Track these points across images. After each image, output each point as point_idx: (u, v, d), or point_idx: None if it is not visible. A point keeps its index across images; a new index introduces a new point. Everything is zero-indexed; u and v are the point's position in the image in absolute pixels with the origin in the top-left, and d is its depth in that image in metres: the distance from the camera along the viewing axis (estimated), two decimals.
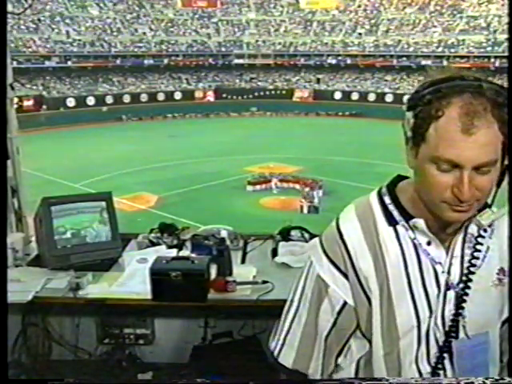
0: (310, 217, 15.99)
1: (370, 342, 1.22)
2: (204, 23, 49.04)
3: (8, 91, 2.82)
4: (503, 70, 26.25)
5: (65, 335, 2.93)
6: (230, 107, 42.20)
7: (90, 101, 40.18)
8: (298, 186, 19.47)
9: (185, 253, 2.78)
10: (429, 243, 1.17)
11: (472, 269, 1.17)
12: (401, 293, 1.17)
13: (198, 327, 2.90)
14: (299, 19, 49.76)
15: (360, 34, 46.94)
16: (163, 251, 2.78)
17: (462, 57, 40.82)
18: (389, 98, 41.06)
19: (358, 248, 1.18)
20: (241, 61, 47.27)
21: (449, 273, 1.17)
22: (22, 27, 40.18)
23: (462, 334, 1.18)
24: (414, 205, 1.18)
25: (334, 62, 45.95)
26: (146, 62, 44.58)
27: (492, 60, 38.58)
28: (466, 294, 1.17)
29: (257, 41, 48.33)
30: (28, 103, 35.94)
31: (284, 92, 45.32)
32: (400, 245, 1.18)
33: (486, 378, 0.88)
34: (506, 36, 30.96)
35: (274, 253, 2.81)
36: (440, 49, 42.61)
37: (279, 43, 48.19)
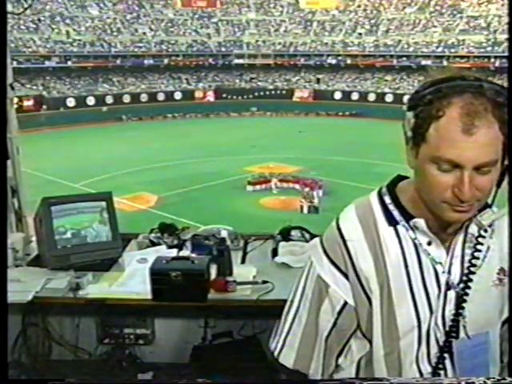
0: (310, 217, 16.00)
1: (370, 342, 1.22)
2: (204, 23, 49.05)
3: (8, 91, 2.82)
4: (503, 69, 26.23)
5: (65, 335, 2.93)
6: (230, 107, 42.21)
7: (90, 101, 40.19)
8: (297, 186, 19.47)
9: (185, 253, 2.78)
10: (429, 243, 1.17)
11: (472, 269, 1.17)
12: (401, 293, 1.17)
13: (198, 327, 2.90)
14: (299, 19, 49.77)
15: (360, 34, 46.95)
16: (163, 251, 2.78)
17: (462, 57, 40.83)
18: (389, 98, 41.08)
19: (359, 248, 1.18)
20: (241, 61, 47.28)
21: (449, 273, 1.17)
22: (22, 27, 40.19)
23: (462, 334, 1.18)
24: (415, 205, 1.17)
25: (334, 62, 45.97)
26: (146, 61, 44.59)
27: (492, 60, 38.59)
28: (467, 294, 1.16)
29: (257, 41, 48.34)
30: (28, 103, 35.95)
31: (284, 92, 45.33)
32: (400, 245, 1.18)
33: (488, 378, 0.88)
34: (506, 36, 30.94)
35: (274, 253, 2.81)
36: (440, 49, 42.62)
37: (279, 43, 48.20)
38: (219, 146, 27.01)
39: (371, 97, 42.59)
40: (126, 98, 41.76)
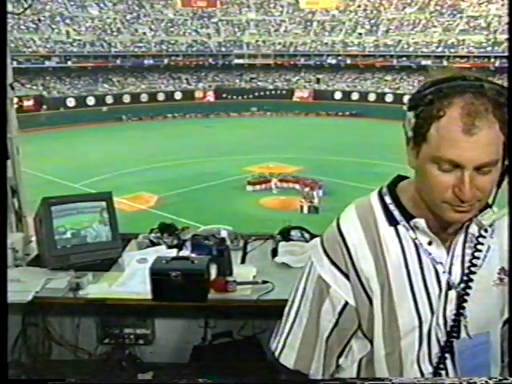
0: (310, 217, 16.00)
1: (371, 342, 1.22)
2: (204, 23, 49.05)
3: (8, 91, 2.82)
4: (503, 69, 26.24)
5: (65, 335, 2.93)
6: (230, 107, 42.21)
7: (90, 101, 40.19)
8: (297, 186, 19.47)
9: (185, 253, 2.78)
10: (430, 243, 1.17)
11: (473, 269, 1.17)
12: (402, 292, 1.17)
13: (198, 327, 2.90)
14: (299, 19, 49.77)
15: (360, 33, 46.95)
16: (163, 251, 2.78)
17: (462, 57, 40.84)
18: (389, 98, 41.09)
19: (359, 248, 1.18)
20: (241, 61, 47.28)
21: (450, 273, 1.17)
22: (22, 27, 40.19)
23: (463, 334, 1.18)
24: (415, 205, 1.17)
25: (334, 61, 45.97)
26: (145, 61, 44.59)
27: (492, 60, 38.59)
28: (467, 294, 1.16)
29: (257, 41, 48.34)
30: (28, 103, 35.96)
31: (284, 92, 45.33)
32: (401, 245, 1.17)
33: (490, 378, 0.88)
34: (506, 36, 30.97)
35: (274, 253, 2.81)
36: (440, 49, 42.62)
37: (279, 43, 48.20)
38: (219, 146, 27.01)
39: (371, 97, 42.59)
40: (126, 98, 41.77)
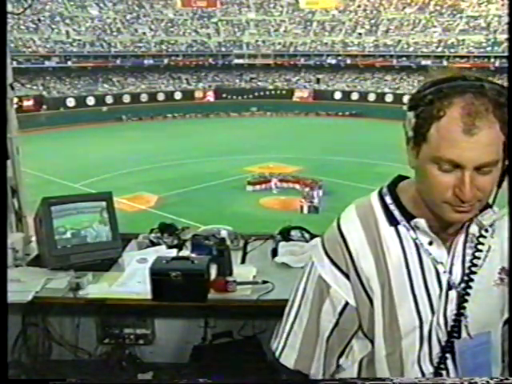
0: (310, 217, 15.99)
1: (372, 342, 1.22)
2: (204, 23, 49.04)
3: (8, 91, 2.82)
4: (503, 69, 26.24)
5: (65, 335, 2.93)
6: (230, 107, 42.20)
7: (90, 101, 40.18)
8: (297, 186, 19.47)
9: (185, 253, 2.78)
10: (430, 243, 1.17)
11: (473, 268, 1.17)
12: (403, 293, 1.17)
13: (198, 327, 2.90)
14: (299, 19, 49.75)
15: (360, 34, 46.94)
16: (163, 251, 2.78)
17: (461, 57, 40.81)
18: (389, 98, 41.08)
19: (360, 248, 1.18)
20: (241, 61, 47.27)
21: (450, 272, 1.17)
22: (22, 27, 40.18)
23: (464, 334, 1.18)
24: (415, 205, 1.17)
25: (333, 62, 45.95)
26: (145, 61, 44.57)
27: (492, 60, 38.59)
28: (468, 294, 1.16)
29: (257, 41, 48.33)
30: (28, 103, 35.95)
31: (284, 92, 45.32)
32: (401, 245, 1.17)
33: (491, 378, 0.88)
34: (506, 36, 30.96)
35: (274, 253, 2.81)
36: (440, 49, 42.61)
37: (279, 43, 48.19)
38: (219, 146, 27.01)
39: (371, 97, 42.58)
40: (126, 98, 41.75)
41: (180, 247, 2.88)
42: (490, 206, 1.16)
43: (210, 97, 45.06)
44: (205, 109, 41.60)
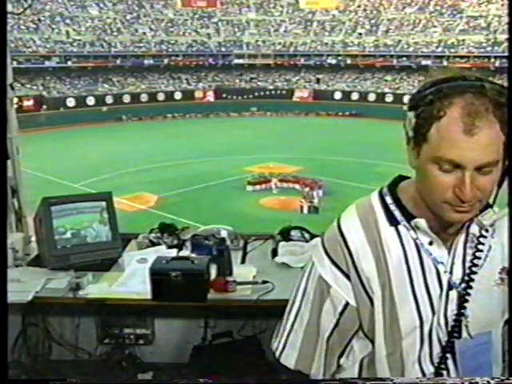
0: (310, 217, 15.99)
1: (372, 342, 1.22)
2: (204, 23, 49.05)
3: (8, 91, 2.82)
4: (503, 70, 26.24)
5: (65, 335, 2.93)
6: (229, 107, 42.21)
7: (90, 101, 40.18)
8: (297, 186, 19.47)
9: (185, 253, 2.78)
10: (431, 243, 1.17)
11: (474, 268, 1.17)
12: (403, 293, 1.17)
13: (198, 327, 2.90)
14: (299, 19, 49.76)
15: (360, 34, 46.95)
16: (163, 251, 2.78)
17: (461, 57, 40.83)
18: (389, 98, 41.09)
19: (360, 248, 1.18)
20: (241, 61, 47.28)
21: (451, 272, 1.17)
22: (22, 27, 40.19)
23: (464, 334, 1.18)
24: (416, 205, 1.17)
25: (333, 62, 45.97)
26: (146, 61, 44.58)
27: (492, 60, 38.59)
28: (469, 294, 1.16)
29: (257, 41, 48.33)
30: (28, 103, 35.95)
31: (284, 92, 45.33)
32: (402, 245, 1.17)
33: (492, 378, 0.88)
34: (506, 36, 30.97)
35: (274, 253, 2.81)
36: (440, 49, 42.62)
37: (279, 43, 48.20)
38: (219, 146, 27.01)
39: (371, 97, 42.59)
40: (126, 98, 41.76)
41: (180, 247, 2.88)
42: (491, 206, 1.16)
43: (210, 97, 45.07)
44: (205, 109, 41.61)
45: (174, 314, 2.98)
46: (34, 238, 2.98)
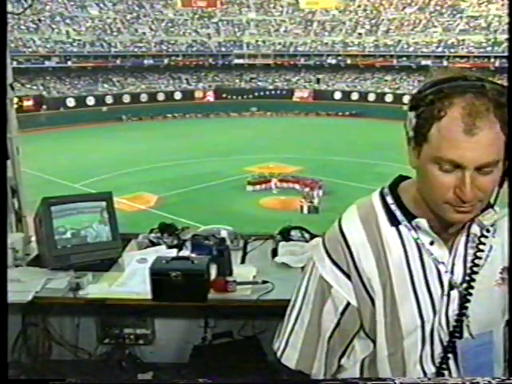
0: (310, 217, 16.00)
1: (373, 342, 1.22)
2: (204, 23, 49.06)
3: (8, 91, 2.82)
4: (503, 70, 26.24)
5: (65, 335, 2.92)
6: (230, 107, 42.23)
7: (90, 101, 40.19)
8: (297, 186, 19.48)
9: (185, 253, 2.78)
10: (432, 243, 1.17)
11: (475, 268, 1.17)
12: (404, 293, 1.17)
13: (198, 327, 2.90)
14: (299, 19, 49.77)
15: (360, 34, 46.96)
16: (163, 251, 2.78)
17: (461, 57, 40.85)
18: (389, 98, 41.10)
19: (361, 248, 1.18)
20: (241, 61, 47.28)
21: (452, 272, 1.17)
22: (22, 27, 40.18)
23: (466, 334, 1.18)
24: (417, 205, 1.17)
25: (333, 62, 45.98)
26: (145, 62, 44.59)
27: (492, 60, 38.59)
28: (470, 294, 1.16)
29: (257, 41, 48.34)
30: (28, 103, 35.95)
31: (284, 92, 45.34)
32: (403, 245, 1.17)
33: (493, 378, 0.88)
34: (506, 36, 30.96)
35: (274, 253, 2.81)
36: (440, 49, 42.63)
37: (279, 43, 48.20)
38: (219, 146, 27.01)
39: (371, 97, 42.60)
40: (126, 98, 41.77)
41: (180, 247, 2.88)
42: (491, 206, 1.15)
43: (210, 97, 45.07)
44: (205, 109, 41.62)
45: (174, 314, 2.97)
46: (34, 238, 2.98)
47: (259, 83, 46.61)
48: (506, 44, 31.22)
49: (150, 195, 19.14)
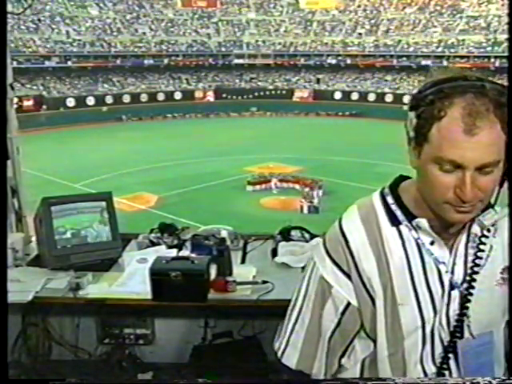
0: (310, 217, 16.00)
1: (374, 342, 1.22)
2: (204, 23, 49.06)
3: (8, 91, 2.81)
4: (503, 70, 26.24)
5: (65, 335, 2.92)
6: (230, 107, 42.22)
7: (90, 101, 40.19)
8: (297, 186, 19.48)
9: (185, 253, 2.78)
10: (432, 243, 1.17)
11: (476, 268, 1.17)
12: (405, 293, 1.17)
13: (198, 327, 2.90)
14: (299, 19, 49.77)
15: (360, 34, 46.96)
16: (163, 251, 2.78)
17: (461, 57, 40.84)
18: (389, 98, 41.10)
19: (361, 248, 1.18)
20: (241, 61, 47.29)
21: (452, 272, 1.17)
22: (22, 27, 40.18)
23: (466, 334, 1.18)
24: (417, 205, 1.17)
25: (333, 62, 45.98)
26: (146, 61, 44.59)
27: (492, 60, 38.59)
28: (470, 294, 1.16)
29: (257, 41, 48.34)
30: (28, 103, 35.95)
31: (284, 92, 45.34)
32: (403, 245, 1.17)
33: (493, 378, 0.88)
34: (506, 36, 30.96)
35: (274, 253, 2.81)
36: (440, 49, 42.63)
37: (279, 43, 48.21)
38: (219, 146, 27.01)
39: (371, 97, 42.60)
40: (126, 98, 41.77)
41: (180, 247, 2.87)
42: (492, 206, 1.15)
43: (210, 97, 45.07)
44: (205, 109, 41.62)
45: (174, 314, 2.97)
46: (34, 238, 2.98)
47: (259, 83, 46.61)
48: (506, 44, 31.23)
49: (150, 195, 19.14)
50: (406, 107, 1.11)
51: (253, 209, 17.52)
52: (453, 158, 1.02)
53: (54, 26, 42.50)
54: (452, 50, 41.98)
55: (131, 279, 2.55)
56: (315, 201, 17.69)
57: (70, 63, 41.45)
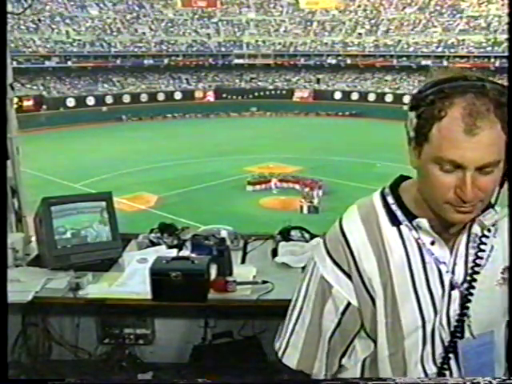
0: (310, 217, 15.99)
1: (374, 342, 1.22)
2: (204, 23, 49.05)
3: (8, 91, 2.81)
4: (503, 70, 26.24)
5: (65, 335, 2.92)
6: (230, 107, 42.22)
7: (90, 101, 40.19)
8: (297, 186, 19.48)
9: (185, 253, 2.78)
10: (433, 243, 1.17)
11: (476, 268, 1.17)
12: (405, 293, 1.16)
13: (198, 327, 2.90)
14: (299, 19, 49.77)
15: (360, 34, 46.96)
16: (163, 251, 2.78)
17: (461, 57, 40.85)
18: (389, 98, 41.10)
19: (362, 248, 1.18)
20: (241, 61, 47.28)
21: (453, 272, 1.17)
22: (22, 27, 40.17)
23: (467, 334, 1.18)
24: (417, 205, 1.17)
25: (333, 62, 45.98)
26: (145, 62, 44.58)
27: (492, 60, 38.59)
28: (471, 294, 1.16)
29: (257, 41, 48.33)
30: (28, 103, 35.94)
31: (284, 92, 45.33)
32: (404, 245, 1.17)
33: (494, 378, 0.88)
34: (506, 36, 30.96)
35: (274, 253, 2.81)
36: (440, 49, 42.63)
37: (279, 43, 48.20)
38: (219, 146, 27.01)
39: (371, 97, 42.60)
40: (126, 98, 41.76)
41: (180, 247, 2.88)
42: (492, 206, 1.15)
43: (210, 97, 45.06)
44: (205, 109, 41.61)
45: (174, 314, 2.97)
46: (34, 238, 2.98)
47: (259, 83, 46.60)
48: (506, 44, 31.23)
49: (150, 195, 19.13)
50: (406, 107, 1.11)
51: (253, 209, 17.52)
52: (453, 158, 1.02)
53: (53, 26, 42.49)
54: (452, 50, 41.98)
55: (131, 279, 2.55)
56: (315, 201, 17.69)
57: (70, 63, 41.44)
